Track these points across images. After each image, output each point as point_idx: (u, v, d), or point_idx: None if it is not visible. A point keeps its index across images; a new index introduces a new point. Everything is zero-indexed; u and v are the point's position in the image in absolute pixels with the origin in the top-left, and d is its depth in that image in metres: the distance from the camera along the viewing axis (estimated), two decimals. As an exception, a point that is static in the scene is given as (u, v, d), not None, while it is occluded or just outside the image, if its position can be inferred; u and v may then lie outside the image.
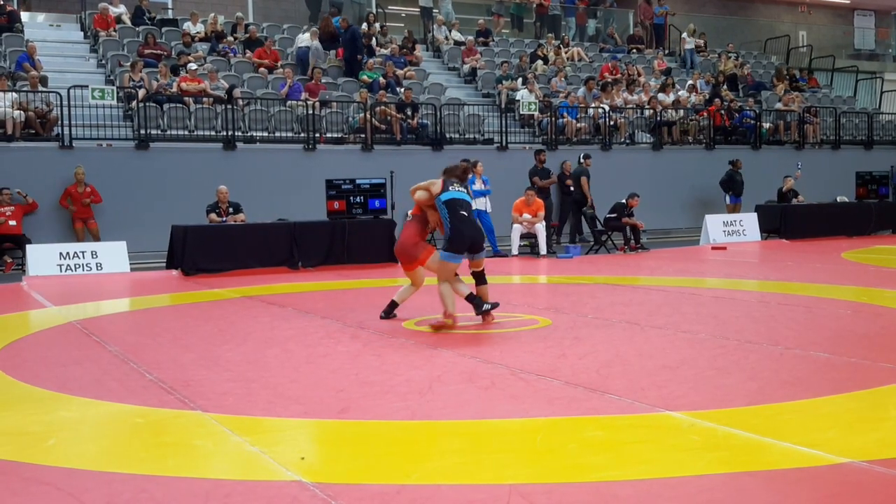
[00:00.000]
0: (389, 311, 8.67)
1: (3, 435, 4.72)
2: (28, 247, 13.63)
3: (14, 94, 15.63)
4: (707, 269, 13.70)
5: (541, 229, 15.49)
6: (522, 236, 15.69)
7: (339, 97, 18.71)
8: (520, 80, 21.04)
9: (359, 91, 18.91)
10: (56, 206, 15.12)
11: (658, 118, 20.99)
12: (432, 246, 8.39)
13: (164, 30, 19.90)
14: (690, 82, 23.13)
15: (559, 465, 4.00)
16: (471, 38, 23.19)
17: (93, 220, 15.16)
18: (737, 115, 22.36)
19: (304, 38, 20.16)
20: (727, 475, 3.83)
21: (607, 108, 20.41)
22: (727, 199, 19.74)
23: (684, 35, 25.94)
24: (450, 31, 23.48)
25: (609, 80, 21.94)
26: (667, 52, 26.49)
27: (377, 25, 22.55)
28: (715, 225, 17.93)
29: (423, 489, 3.74)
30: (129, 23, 19.87)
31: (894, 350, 6.54)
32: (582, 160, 18.18)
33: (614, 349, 6.89)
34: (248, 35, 20.35)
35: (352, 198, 14.52)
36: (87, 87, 15.84)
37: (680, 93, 22.34)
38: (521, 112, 19.83)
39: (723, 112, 21.94)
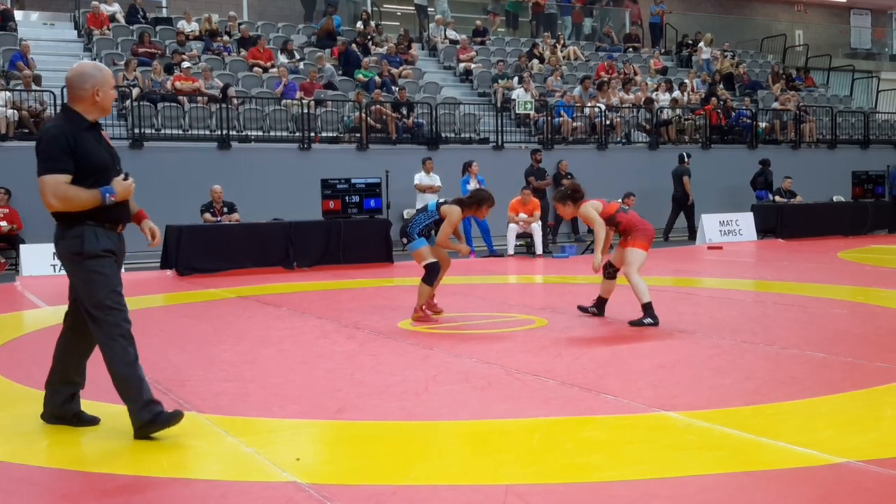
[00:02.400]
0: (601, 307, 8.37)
1: (-4, 436, 4.71)
2: (22, 247, 13.59)
3: (7, 93, 15.59)
4: (703, 268, 13.71)
5: (537, 229, 15.50)
6: (518, 236, 15.69)
7: (334, 96, 18.70)
8: (516, 79, 21.04)
9: (354, 90, 18.90)
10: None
11: (655, 117, 21.00)
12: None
13: (158, 28, 19.88)
14: (686, 81, 23.15)
15: (556, 466, 3.99)
16: (464, 37, 23.17)
17: None
18: (734, 113, 22.39)
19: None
20: (724, 475, 3.83)
21: (603, 107, 20.42)
22: (771, 196, 19.88)
23: (701, 45, 25.67)
24: (445, 30, 23.47)
25: (605, 79, 21.95)
26: (663, 50, 26.50)
27: (372, 24, 22.55)
28: (711, 225, 17.94)
29: (419, 490, 3.72)
30: (122, 21, 19.85)
31: (890, 350, 6.54)
32: (686, 158, 18.69)
33: (610, 349, 6.89)
34: (240, 34, 20.29)
35: (347, 197, 14.49)
36: (81, 86, 15.79)
37: (675, 93, 22.36)
38: (517, 111, 19.83)
39: (718, 111, 21.97)
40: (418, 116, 18.66)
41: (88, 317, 4.49)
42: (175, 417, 4.47)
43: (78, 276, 4.49)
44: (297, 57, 19.90)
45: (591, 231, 9.51)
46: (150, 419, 4.44)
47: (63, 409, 4.76)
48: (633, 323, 7.75)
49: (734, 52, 27.03)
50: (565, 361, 6.33)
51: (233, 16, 20.99)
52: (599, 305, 8.37)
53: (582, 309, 8.46)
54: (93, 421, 4.79)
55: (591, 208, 7.93)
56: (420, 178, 16.30)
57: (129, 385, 4.49)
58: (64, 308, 4.94)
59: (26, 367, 6.56)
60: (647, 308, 7.70)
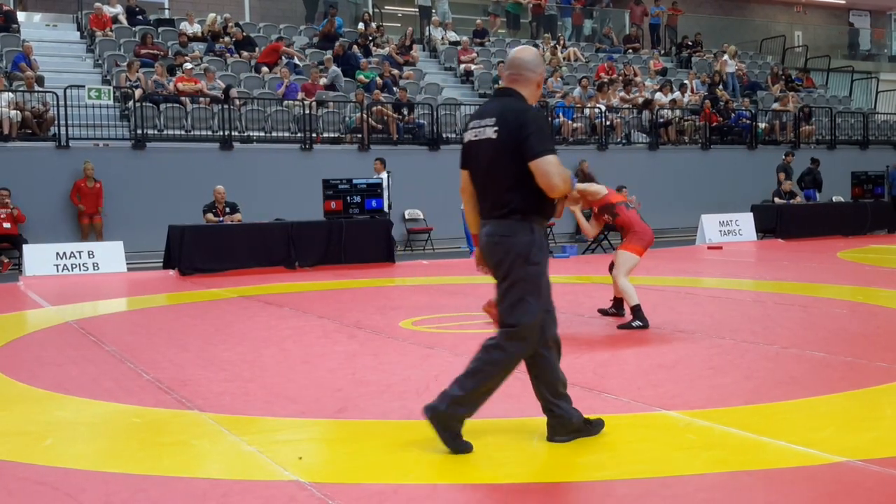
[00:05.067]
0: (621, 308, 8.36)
1: (0, 435, 4.72)
2: (25, 247, 13.62)
3: (10, 93, 15.61)
4: (703, 268, 13.72)
5: (537, 229, 15.49)
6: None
7: (335, 97, 18.72)
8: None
9: (356, 91, 18.92)
10: (57, 205, 15.13)
11: (655, 118, 21.01)
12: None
13: (160, 30, 19.90)
14: (686, 82, 23.16)
15: (556, 465, 4.01)
16: (465, 38, 23.18)
17: (98, 217, 15.19)
18: (733, 114, 22.40)
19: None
20: (724, 474, 3.84)
21: (604, 108, 20.43)
22: (816, 195, 20.41)
23: (725, 57, 25.51)
24: (445, 31, 23.48)
25: (605, 80, 21.96)
26: (663, 52, 26.51)
27: (374, 25, 22.57)
28: (711, 225, 17.96)
29: (419, 488, 3.74)
30: (125, 23, 19.86)
31: (890, 349, 6.55)
32: (784, 157, 20.04)
33: (610, 348, 6.90)
34: (240, 35, 20.25)
35: (348, 198, 14.52)
36: (83, 86, 15.84)
37: (675, 93, 22.38)
38: (518, 112, 19.82)
39: (715, 111, 21.99)
40: (419, 117, 18.68)
41: (506, 327, 4.13)
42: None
43: (514, 279, 4.08)
44: (296, 61, 19.90)
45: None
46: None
47: (578, 420, 4.30)
48: (622, 326, 7.74)
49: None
50: (565, 361, 6.27)
51: (228, 17, 20.97)
52: (617, 306, 8.38)
53: (602, 312, 8.47)
54: (599, 425, 4.36)
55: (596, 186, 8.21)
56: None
57: (489, 392, 4.17)
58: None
59: (29, 366, 6.58)
60: (637, 311, 7.69)
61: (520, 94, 4.19)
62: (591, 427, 4.34)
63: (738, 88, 24.64)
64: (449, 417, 4.11)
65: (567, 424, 4.26)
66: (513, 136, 4.01)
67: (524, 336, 4.10)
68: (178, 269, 13.36)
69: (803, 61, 28.80)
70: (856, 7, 33.44)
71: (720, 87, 23.85)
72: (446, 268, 14.09)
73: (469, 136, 4.24)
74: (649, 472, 3.86)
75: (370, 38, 21.69)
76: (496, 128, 4.07)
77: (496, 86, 4.17)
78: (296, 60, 19.77)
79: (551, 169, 3.94)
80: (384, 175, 15.83)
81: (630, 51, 25.73)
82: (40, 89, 16.06)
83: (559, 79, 21.98)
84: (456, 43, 23.06)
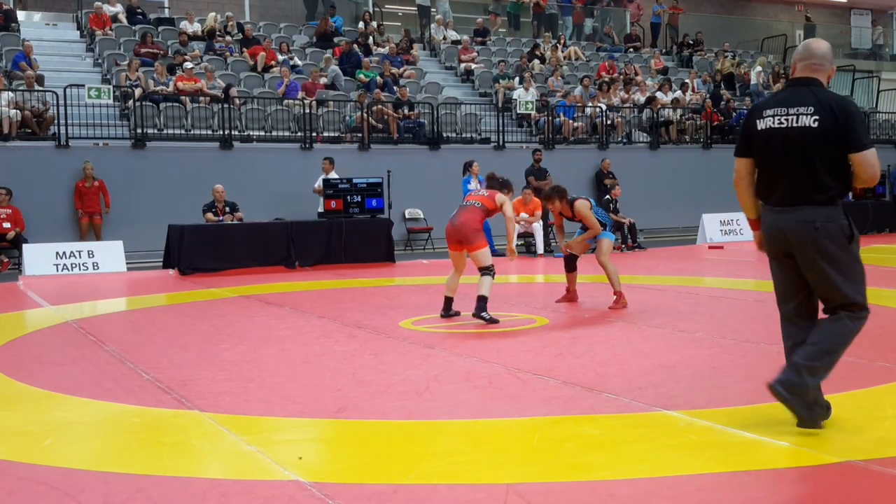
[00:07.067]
0: (449, 309, 8.62)
1: (0, 435, 4.72)
2: (24, 246, 13.62)
3: (10, 93, 15.61)
4: (704, 268, 13.71)
5: (538, 228, 15.51)
6: (519, 236, 15.69)
7: (335, 96, 18.71)
8: (517, 79, 21.05)
9: (356, 90, 18.91)
10: (57, 205, 15.13)
11: (656, 117, 21.01)
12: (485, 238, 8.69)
13: (160, 29, 19.90)
14: (687, 81, 23.15)
15: (556, 465, 4.00)
16: (466, 37, 23.18)
17: (98, 216, 15.19)
18: (735, 114, 22.39)
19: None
20: (724, 474, 3.83)
21: (604, 107, 20.43)
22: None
23: (758, 69, 25.24)
24: (446, 30, 23.48)
25: (606, 79, 21.95)
26: (664, 50, 26.51)
27: (374, 24, 22.56)
28: (712, 224, 17.95)
29: (420, 489, 3.73)
30: (125, 22, 19.87)
31: (891, 349, 6.55)
32: None
33: (611, 348, 6.89)
34: (243, 35, 20.26)
35: (349, 197, 14.52)
36: (83, 86, 15.83)
37: (677, 93, 22.37)
38: (518, 111, 19.84)
39: (716, 111, 21.98)
40: (420, 116, 18.68)
41: (850, 307, 4.36)
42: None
43: (842, 262, 4.27)
44: (297, 59, 19.90)
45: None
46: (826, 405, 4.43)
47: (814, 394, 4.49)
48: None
49: (735, 53, 27.01)
50: (566, 361, 6.34)
51: (228, 16, 20.96)
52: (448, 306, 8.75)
53: (451, 314, 8.70)
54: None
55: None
56: (320, 181, 15.52)
57: (828, 371, 4.40)
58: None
59: (28, 366, 6.58)
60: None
61: (821, 83, 4.27)
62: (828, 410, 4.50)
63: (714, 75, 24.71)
64: (805, 388, 4.30)
65: (804, 395, 4.37)
66: (837, 126, 4.12)
67: (866, 307, 4.40)
68: (178, 269, 13.35)
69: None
70: (857, 6, 33.42)
71: (721, 85, 23.84)
72: (446, 268, 14.05)
73: (767, 122, 4.30)
74: (650, 472, 3.85)
75: (370, 37, 21.68)
76: (816, 116, 4.15)
77: (793, 76, 4.23)
78: (294, 58, 19.76)
79: (873, 161, 4.14)
80: (333, 174, 15.63)
81: (631, 50, 25.72)
82: (40, 88, 16.05)
83: (560, 78, 21.97)
84: (457, 42, 23.05)
